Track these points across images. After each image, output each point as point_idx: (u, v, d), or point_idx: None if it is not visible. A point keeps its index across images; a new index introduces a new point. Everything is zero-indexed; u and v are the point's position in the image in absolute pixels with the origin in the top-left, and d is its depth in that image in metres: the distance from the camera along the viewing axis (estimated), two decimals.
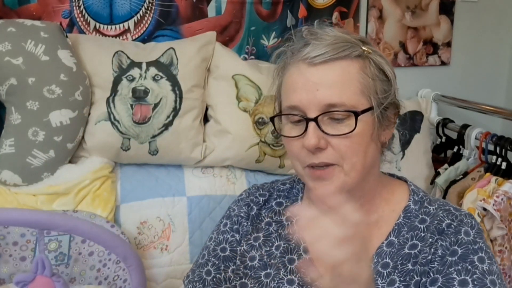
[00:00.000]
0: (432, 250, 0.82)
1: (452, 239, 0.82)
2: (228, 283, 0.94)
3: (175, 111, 1.44)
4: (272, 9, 1.69)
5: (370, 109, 0.82)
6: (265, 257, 0.92)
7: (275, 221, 0.96)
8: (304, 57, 0.82)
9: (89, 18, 1.52)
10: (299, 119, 0.83)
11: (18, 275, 0.99)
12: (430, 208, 0.89)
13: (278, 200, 0.99)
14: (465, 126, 1.73)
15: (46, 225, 0.99)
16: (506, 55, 2.17)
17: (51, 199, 1.34)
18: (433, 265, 0.81)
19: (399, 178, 0.97)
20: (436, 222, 0.85)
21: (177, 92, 1.45)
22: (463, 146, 1.73)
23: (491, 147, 1.62)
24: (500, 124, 2.08)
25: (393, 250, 0.85)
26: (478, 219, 1.47)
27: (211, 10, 1.63)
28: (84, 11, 1.51)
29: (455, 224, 0.84)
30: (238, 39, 1.67)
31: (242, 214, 0.98)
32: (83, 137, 1.43)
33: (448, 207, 0.88)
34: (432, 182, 1.71)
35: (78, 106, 1.37)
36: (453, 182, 1.63)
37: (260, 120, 1.51)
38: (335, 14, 1.77)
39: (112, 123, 1.41)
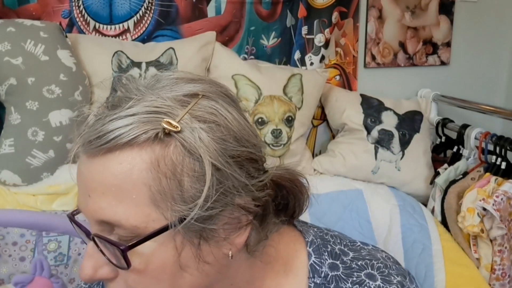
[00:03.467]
0: None
1: None
2: None
3: None
4: (272, 9, 1.69)
5: (163, 230, 0.50)
6: None
7: None
8: (83, 140, 0.52)
9: (88, 18, 1.52)
10: None
11: (17, 276, 0.99)
12: None
13: None
14: (464, 126, 1.73)
15: (44, 226, 0.99)
16: (505, 55, 2.17)
17: (51, 199, 1.34)
18: None
19: (298, 230, 0.68)
20: None
21: None
22: (463, 146, 1.73)
23: (490, 147, 1.62)
24: (500, 124, 2.08)
25: None
26: (478, 219, 1.47)
27: (210, 10, 1.63)
28: (83, 11, 1.51)
29: None
30: (237, 39, 1.67)
31: None
32: None
33: None
34: (432, 182, 1.71)
35: (77, 106, 1.37)
36: (453, 182, 1.63)
37: (259, 120, 1.51)
38: (335, 14, 1.77)
39: None
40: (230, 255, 0.55)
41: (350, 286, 0.62)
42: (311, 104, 1.68)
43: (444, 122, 1.84)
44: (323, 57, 1.77)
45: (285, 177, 0.63)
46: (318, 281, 0.63)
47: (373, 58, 1.93)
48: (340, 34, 1.84)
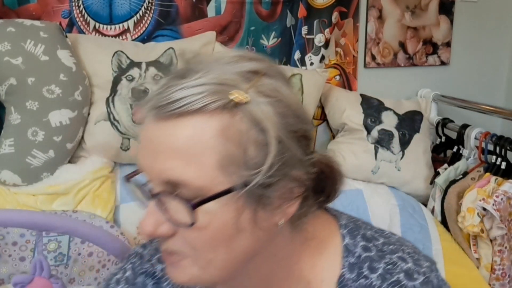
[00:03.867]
0: None
1: None
2: None
3: None
4: (272, 9, 1.69)
5: (227, 191, 0.54)
6: None
7: None
8: (149, 105, 0.56)
9: (88, 18, 1.52)
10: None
11: (16, 277, 0.99)
12: (371, 279, 0.64)
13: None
14: (464, 126, 1.73)
15: (44, 226, 0.98)
16: (505, 55, 2.17)
17: (51, 199, 1.34)
18: None
19: (331, 214, 0.72)
20: None
21: None
22: (463, 146, 1.73)
23: (490, 147, 1.62)
24: (500, 124, 2.08)
25: None
26: (478, 219, 1.47)
27: (210, 10, 1.63)
28: (83, 11, 1.51)
29: None
30: (237, 39, 1.67)
31: None
32: (82, 137, 1.42)
33: (396, 275, 0.65)
34: (432, 182, 1.71)
35: (77, 106, 1.37)
36: (453, 182, 1.63)
37: None
38: (335, 14, 1.77)
39: (112, 123, 1.41)
40: (280, 223, 0.59)
41: (383, 266, 0.65)
42: (311, 104, 1.68)
43: (444, 122, 1.84)
44: (323, 57, 1.77)
45: (324, 162, 0.66)
46: (352, 261, 0.66)
47: (373, 58, 1.93)
48: (340, 34, 1.84)
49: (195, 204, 0.53)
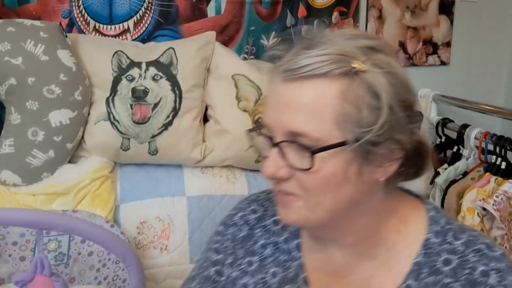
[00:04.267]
0: None
1: None
2: None
3: (175, 111, 1.44)
4: (272, 9, 1.69)
5: (341, 144, 0.64)
6: (259, 285, 0.80)
7: (271, 242, 0.83)
8: (280, 69, 0.67)
9: (88, 18, 1.52)
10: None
11: (17, 275, 0.99)
12: (455, 245, 0.72)
13: (274, 218, 0.83)
14: (464, 126, 1.73)
15: (45, 225, 0.99)
16: (505, 55, 2.17)
17: (51, 199, 1.34)
18: None
19: (416, 195, 0.81)
20: (467, 269, 0.70)
21: (177, 92, 1.45)
22: (463, 146, 1.73)
23: (490, 147, 1.62)
24: (500, 124, 2.08)
25: None
26: (478, 219, 1.47)
27: (210, 10, 1.63)
28: (83, 11, 1.51)
29: (494, 277, 0.69)
30: (237, 39, 1.67)
31: (228, 236, 0.86)
32: (82, 137, 1.43)
33: (479, 244, 0.72)
34: (432, 182, 1.71)
35: (77, 106, 1.37)
36: (453, 182, 1.63)
37: (260, 120, 1.51)
38: (335, 14, 1.77)
39: (112, 123, 1.41)
40: (380, 180, 0.69)
41: (466, 236, 0.73)
42: None
43: (444, 122, 1.84)
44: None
45: (420, 139, 0.76)
46: (437, 229, 0.74)
47: None
48: None
49: (313, 151, 0.64)
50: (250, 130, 0.75)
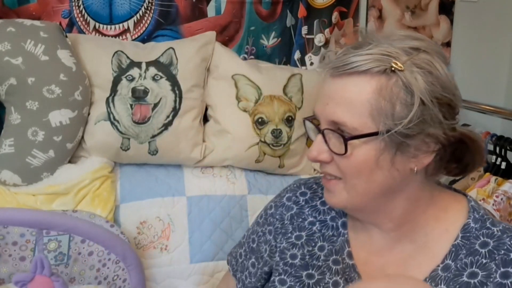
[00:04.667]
0: None
1: None
2: (247, 271, 0.97)
3: (175, 111, 1.44)
4: (272, 9, 1.69)
5: (373, 134, 0.73)
6: (307, 256, 0.89)
7: (319, 220, 0.92)
8: (329, 66, 0.77)
9: (88, 18, 1.52)
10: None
11: (17, 275, 0.99)
12: (493, 230, 0.78)
13: (322, 199, 0.92)
14: (464, 126, 1.73)
15: (45, 224, 0.98)
16: (506, 55, 2.17)
17: (51, 199, 1.34)
18: None
19: (458, 191, 0.87)
20: (502, 251, 0.76)
21: (177, 92, 1.45)
22: None
23: (490, 147, 1.62)
24: (500, 124, 2.07)
25: (449, 275, 0.77)
26: None
27: (210, 10, 1.63)
28: (83, 11, 1.51)
29: None
30: (237, 39, 1.67)
31: (276, 216, 0.95)
32: (82, 137, 1.43)
33: None
34: None
35: (77, 106, 1.37)
36: (453, 182, 1.63)
37: (259, 120, 1.51)
38: (335, 14, 1.77)
39: (112, 123, 1.41)
40: (415, 170, 0.76)
41: (504, 225, 0.79)
42: (311, 104, 1.67)
43: None
44: (323, 57, 1.78)
45: (468, 135, 0.82)
46: (476, 216, 0.80)
47: None
48: (340, 34, 1.84)
49: (348, 138, 0.73)
50: (306, 118, 0.84)
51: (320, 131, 0.78)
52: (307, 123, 0.85)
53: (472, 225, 0.79)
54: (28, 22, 1.35)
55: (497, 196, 1.46)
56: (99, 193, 1.37)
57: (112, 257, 1.26)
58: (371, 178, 0.76)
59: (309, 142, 1.83)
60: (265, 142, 1.52)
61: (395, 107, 0.72)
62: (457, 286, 0.76)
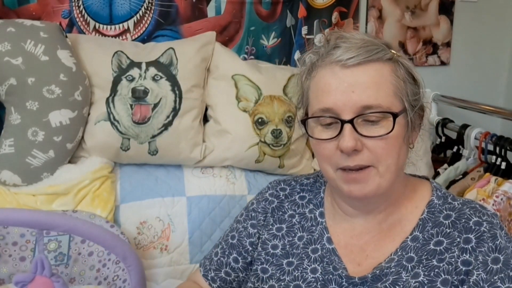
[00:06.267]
0: (465, 255, 0.82)
1: (490, 244, 0.81)
2: (227, 267, 1.03)
3: (175, 111, 1.44)
4: (272, 9, 1.69)
5: (404, 111, 0.82)
6: (287, 246, 0.96)
7: (298, 213, 0.99)
8: (336, 60, 0.81)
9: (88, 18, 1.52)
10: (330, 122, 0.83)
11: (17, 275, 0.99)
12: (454, 204, 0.89)
13: (301, 194, 1.01)
14: (464, 126, 1.73)
15: (45, 225, 0.98)
16: (505, 55, 2.17)
17: (51, 199, 1.34)
18: (478, 272, 0.80)
19: (420, 177, 0.98)
20: (463, 220, 0.85)
21: (177, 92, 1.45)
22: (463, 146, 1.73)
23: (490, 147, 1.62)
24: (500, 124, 2.08)
25: (417, 245, 0.86)
26: None
27: (210, 10, 1.63)
28: (83, 11, 1.51)
29: (486, 226, 0.83)
30: (237, 39, 1.67)
31: (259, 210, 1.02)
32: (82, 137, 1.43)
33: (474, 204, 0.88)
34: None
35: (77, 106, 1.37)
36: (453, 182, 1.63)
37: (259, 120, 1.51)
38: (335, 14, 1.77)
39: (112, 123, 1.41)
40: (412, 145, 0.88)
41: (463, 199, 0.90)
42: None
43: (444, 122, 1.84)
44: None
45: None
46: (439, 194, 0.91)
47: None
48: None
49: (395, 115, 0.80)
50: (310, 117, 0.86)
51: (348, 121, 0.80)
52: (310, 121, 0.86)
53: (436, 201, 0.90)
54: (28, 22, 1.35)
55: (497, 196, 1.46)
56: (99, 193, 1.37)
57: (112, 258, 1.26)
58: (400, 155, 0.84)
59: (308, 142, 1.83)
60: (265, 142, 1.52)
61: (407, 86, 0.83)
62: (425, 253, 0.85)
